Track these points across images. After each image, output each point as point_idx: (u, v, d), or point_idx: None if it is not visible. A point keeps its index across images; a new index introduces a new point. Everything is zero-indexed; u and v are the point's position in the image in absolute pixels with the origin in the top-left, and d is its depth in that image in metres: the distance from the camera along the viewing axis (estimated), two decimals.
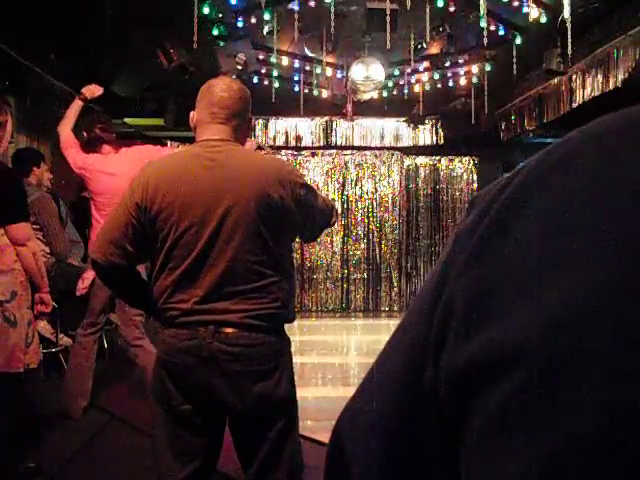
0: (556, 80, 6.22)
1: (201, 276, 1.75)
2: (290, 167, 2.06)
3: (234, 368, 1.74)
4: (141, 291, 1.91)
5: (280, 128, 8.86)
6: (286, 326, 1.89)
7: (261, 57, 6.56)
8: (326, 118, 8.84)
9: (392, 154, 9.13)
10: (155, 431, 1.87)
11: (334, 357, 6.46)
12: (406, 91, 7.21)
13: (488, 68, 6.65)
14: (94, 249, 1.84)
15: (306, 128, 8.93)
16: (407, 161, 9.16)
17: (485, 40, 5.50)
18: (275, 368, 1.80)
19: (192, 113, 1.91)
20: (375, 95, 6.96)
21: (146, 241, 1.79)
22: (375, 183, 9.13)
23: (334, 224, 2.08)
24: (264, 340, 1.78)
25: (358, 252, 9.07)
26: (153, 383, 1.86)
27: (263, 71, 6.91)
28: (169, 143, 8.26)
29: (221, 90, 1.86)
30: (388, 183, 9.13)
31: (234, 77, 5.77)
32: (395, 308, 9.00)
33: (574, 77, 5.92)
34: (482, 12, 5.10)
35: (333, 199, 8.65)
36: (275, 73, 6.86)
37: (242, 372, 1.75)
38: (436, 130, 8.96)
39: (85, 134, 4.03)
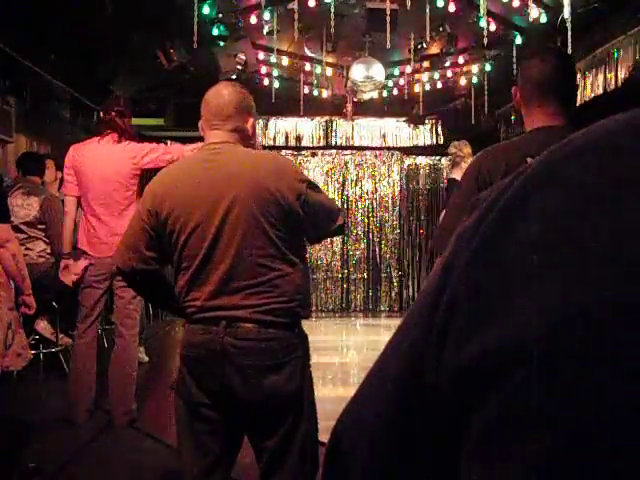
0: None
1: (210, 273, 1.82)
2: (290, 163, 2.10)
3: (245, 362, 1.79)
4: (165, 293, 2.00)
5: (280, 128, 8.86)
6: None
7: (261, 57, 6.55)
8: (326, 118, 8.84)
9: (392, 154, 9.12)
10: (176, 425, 1.93)
11: (334, 357, 6.46)
12: (406, 91, 7.20)
13: (488, 68, 6.64)
14: (115, 256, 1.98)
15: (306, 128, 8.93)
16: (407, 161, 9.16)
17: (485, 40, 5.50)
18: (286, 363, 1.83)
19: (199, 122, 2.02)
20: (375, 95, 6.96)
21: (161, 245, 1.89)
22: (375, 183, 9.13)
23: (342, 228, 2.10)
24: (275, 335, 1.81)
25: (358, 252, 9.07)
26: (177, 377, 1.95)
27: (263, 71, 6.91)
28: (169, 143, 8.26)
29: (212, 98, 1.97)
30: (388, 183, 9.13)
31: (233, 77, 5.77)
32: (395, 308, 9.00)
33: None
34: (482, 12, 5.10)
35: (333, 199, 8.65)
36: (275, 73, 6.86)
37: (252, 366, 1.79)
38: (436, 130, 8.96)
39: (101, 114, 3.89)
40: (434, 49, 6.20)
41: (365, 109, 7.86)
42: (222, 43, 5.60)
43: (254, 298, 1.80)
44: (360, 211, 9.10)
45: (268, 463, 1.87)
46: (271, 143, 8.74)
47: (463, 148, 5.22)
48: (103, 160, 3.70)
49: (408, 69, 6.73)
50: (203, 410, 1.85)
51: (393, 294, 9.08)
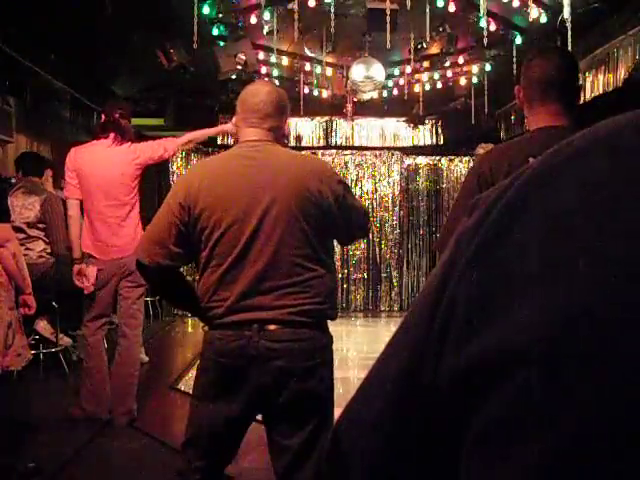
0: None
1: (243, 272, 1.78)
2: (328, 164, 2.15)
3: (278, 364, 1.77)
4: (186, 292, 1.96)
5: None
6: None
7: (261, 57, 6.55)
8: (326, 118, 8.83)
9: (392, 154, 9.12)
10: (188, 423, 1.91)
11: (334, 357, 6.45)
12: (406, 91, 7.20)
13: (488, 68, 6.64)
14: (139, 251, 1.89)
15: (306, 128, 8.93)
16: (407, 161, 9.15)
17: (485, 40, 5.49)
18: (319, 365, 1.83)
19: (234, 119, 2.01)
20: (375, 95, 6.96)
21: (190, 241, 1.84)
22: (375, 183, 9.12)
23: (369, 230, 2.13)
24: (308, 336, 1.81)
25: (358, 252, 9.06)
26: (199, 380, 1.90)
27: (263, 71, 6.90)
28: None
29: (251, 95, 1.95)
30: (388, 183, 9.12)
31: (233, 77, 5.77)
32: (395, 308, 9.00)
33: None
34: (482, 12, 5.10)
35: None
36: (275, 73, 6.86)
37: (286, 368, 1.78)
38: (436, 130, 8.96)
39: (103, 117, 3.90)
40: (434, 49, 6.19)
41: (365, 109, 7.86)
42: (222, 43, 5.59)
43: (289, 298, 1.78)
44: None
45: (290, 462, 1.85)
46: None
47: None
48: (108, 162, 3.69)
49: (408, 69, 6.73)
50: (228, 414, 1.83)
51: (393, 294, 9.08)
